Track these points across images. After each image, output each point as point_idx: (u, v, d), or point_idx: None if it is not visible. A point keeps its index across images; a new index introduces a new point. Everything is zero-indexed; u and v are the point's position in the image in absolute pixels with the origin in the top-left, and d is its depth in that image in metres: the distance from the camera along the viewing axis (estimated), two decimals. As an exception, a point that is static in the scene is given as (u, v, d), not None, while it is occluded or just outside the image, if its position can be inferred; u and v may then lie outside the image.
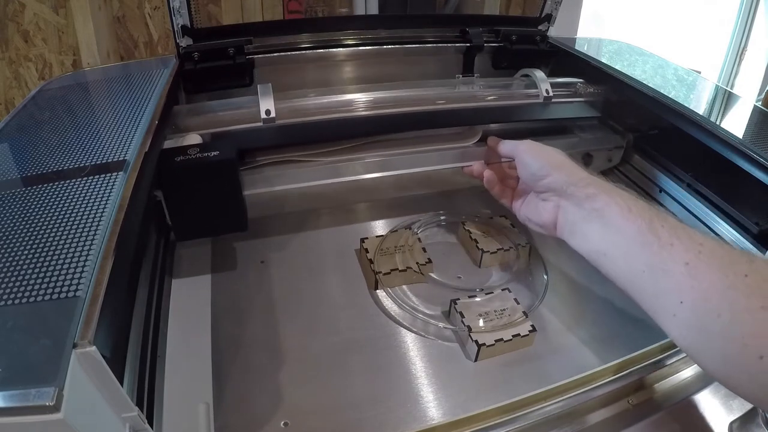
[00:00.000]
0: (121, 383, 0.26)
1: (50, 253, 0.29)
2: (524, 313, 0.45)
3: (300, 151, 0.61)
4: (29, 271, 0.28)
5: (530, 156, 0.46)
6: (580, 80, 0.69)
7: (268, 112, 0.55)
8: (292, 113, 0.57)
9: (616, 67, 0.67)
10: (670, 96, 0.58)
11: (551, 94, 0.65)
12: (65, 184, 0.36)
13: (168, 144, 0.50)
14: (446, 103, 0.63)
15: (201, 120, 0.56)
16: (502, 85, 0.68)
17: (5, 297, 0.26)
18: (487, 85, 0.67)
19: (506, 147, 0.50)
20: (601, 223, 0.39)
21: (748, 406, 0.38)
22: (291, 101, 0.58)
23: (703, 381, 0.40)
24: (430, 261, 0.51)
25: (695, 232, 0.34)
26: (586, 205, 0.41)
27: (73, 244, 0.30)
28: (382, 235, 0.54)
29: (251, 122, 0.56)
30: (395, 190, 0.65)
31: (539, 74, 0.67)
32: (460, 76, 0.75)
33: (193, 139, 0.53)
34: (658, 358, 0.40)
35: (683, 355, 0.41)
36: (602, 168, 0.71)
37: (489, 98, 0.65)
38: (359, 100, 0.60)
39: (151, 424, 0.30)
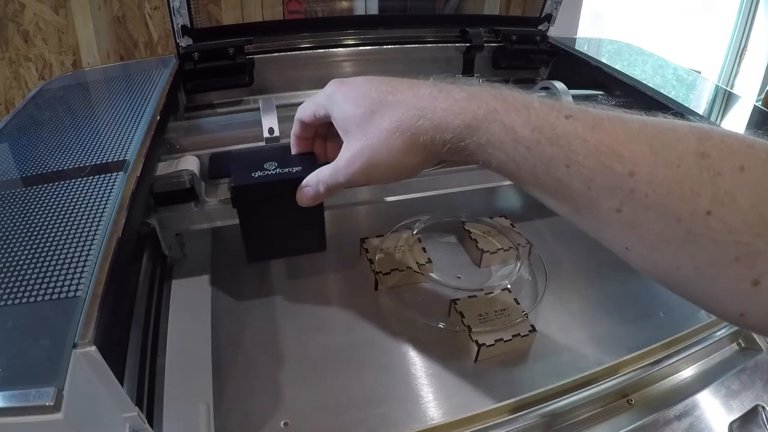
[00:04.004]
0: (121, 383, 0.26)
1: (50, 253, 0.29)
2: (524, 313, 0.45)
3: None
4: (29, 271, 0.28)
5: None
6: (601, 92, 0.66)
7: (271, 130, 0.51)
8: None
9: (616, 67, 0.67)
10: (667, 94, 0.58)
11: None
12: (65, 184, 0.36)
13: (161, 167, 0.47)
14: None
15: (198, 139, 0.53)
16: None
17: (5, 297, 0.26)
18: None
19: None
20: None
21: (748, 406, 0.38)
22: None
23: (703, 381, 0.40)
24: (430, 261, 0.51)
25: None
26: None
27: (73, 244, 0.30)
28: (382, 235, 0.54)
29: (253, 141, 0.52)
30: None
31: (560, 86, 0.62)
32: (460, 76, 0.75)
33: (189, 161, 0.49)
34: (658, 357, 0.40)
35: (683, 354, 0.41)
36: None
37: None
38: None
39: (151, 424, 0.30)
